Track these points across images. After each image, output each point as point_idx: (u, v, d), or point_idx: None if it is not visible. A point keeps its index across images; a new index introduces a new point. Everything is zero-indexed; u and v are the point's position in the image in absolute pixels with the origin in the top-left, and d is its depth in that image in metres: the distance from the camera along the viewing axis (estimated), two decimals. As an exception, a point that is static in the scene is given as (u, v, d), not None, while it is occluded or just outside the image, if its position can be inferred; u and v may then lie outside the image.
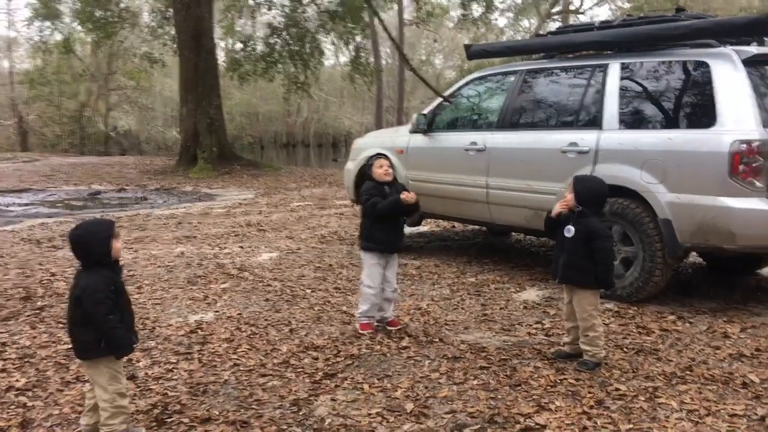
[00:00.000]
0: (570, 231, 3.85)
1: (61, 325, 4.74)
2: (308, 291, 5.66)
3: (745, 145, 4.53)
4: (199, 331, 4.61)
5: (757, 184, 4.57)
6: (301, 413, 3.32)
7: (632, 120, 5.25)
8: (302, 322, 4.80)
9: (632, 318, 4.78)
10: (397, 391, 3.55)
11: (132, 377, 3.74)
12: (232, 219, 9.93)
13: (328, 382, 3.70)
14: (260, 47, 22.65)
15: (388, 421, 3.20)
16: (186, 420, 3.25)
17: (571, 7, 33.56)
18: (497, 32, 34.24)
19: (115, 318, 2.90)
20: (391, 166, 4.65)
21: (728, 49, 4.92)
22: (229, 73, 22.50)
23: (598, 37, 5.72)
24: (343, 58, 35.12)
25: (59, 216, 10.73)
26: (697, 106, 5.03)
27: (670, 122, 5.10)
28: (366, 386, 3.62)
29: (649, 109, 5.28)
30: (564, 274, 3.90)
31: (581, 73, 5.75)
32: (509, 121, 6.12)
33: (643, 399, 3.39)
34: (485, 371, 3.81)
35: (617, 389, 3.52)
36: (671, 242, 4.85)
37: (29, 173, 18.15)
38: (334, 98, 45.82)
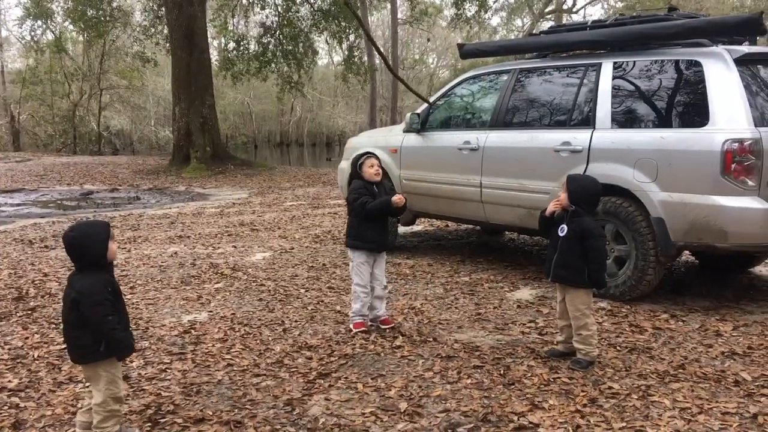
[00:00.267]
0: (563, 230, 3.86)
1: (53, 326, 4.72)
2: (302, 290, 5.65)
3: (737, 144, 4.55)
4: (192, 331, 4.60)
5: (749, 182, 4.58)
6: (294, 413, 3.31)
7: (625, 119, 5.27)
8: (296, 321, 4.80)
9: (625, 316, 4.80)
10: (390, 390, 3.55)
11: (125, 377, 3.73)
12: (225, 219, 9.91)
13: (322, 381, 3.69)
14: (253, 47, 22.64)
15: (381, 421, 3.20)
16: (179, 420, 3.24)
17: (564, 7, 33.65)
18: (490, 31, 34.29)
19: (114, 319, 2.88)
20: (381, 165, 4.66)
21: (720, 49, 4.94)
22: (222, 72, 22.48)
23: (590, 37, 5.73)
24: (337, 58, 35.16)
25: (52, 216, 10.68)
26: (689, 105, 5.05)
27: (663, 121, 5.11)
28: (360, 386, 3.62)
29: (642, 108, 5.30)
30: (556, 272, 3.90)
31: (574, 72, 5.76)
32: (502, 120, 6.13)
33: (636, 397, 3.40)
34: (479, 370, 3.82)
35: (610, 388, 3.52)
36: (664, 241, 4.87)
37: (21, 173, 18.07)
38: (328, 97, 45.81)
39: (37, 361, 4.05)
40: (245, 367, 3.91)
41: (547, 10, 32.52)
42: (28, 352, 4.20)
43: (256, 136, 46.12)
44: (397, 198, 4.46)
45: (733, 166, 4.56)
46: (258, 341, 4.38)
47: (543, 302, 5.22)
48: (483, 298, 5.39)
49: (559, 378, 3.67)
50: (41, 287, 5.81)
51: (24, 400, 3.50)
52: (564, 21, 29.56)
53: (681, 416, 3.19)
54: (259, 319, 4.85)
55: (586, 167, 5.24)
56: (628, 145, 5.08)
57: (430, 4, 31.38)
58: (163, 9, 20.35)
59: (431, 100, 7.07)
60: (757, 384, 3.57)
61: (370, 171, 4.56)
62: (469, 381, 3.66)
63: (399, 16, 30.72)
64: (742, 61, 4.84)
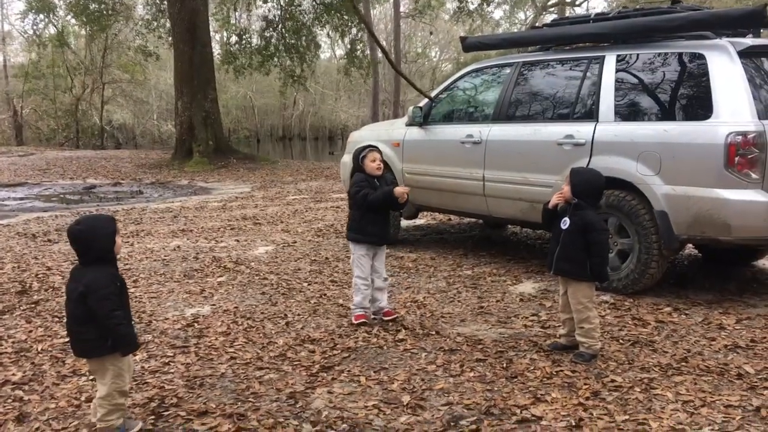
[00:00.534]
0: (566, 223, 3.85)
1: (57, 320, 4.73)
2: (304, 284, 5.66)
3: (740, 137, 4.53)
4: (195, 324, 4.61)
5: (753, 175, 4.57)
6: (298, 406, 3.32)
7: (628, 112, 5.25)
8: (298, 315, 4.81)
9: (628, 310, 4.79)
10: (393, 383, 3.56)
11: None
12: (228, 212, 9.92)
13: (325, 374, 3.70)
14: (256, 40, 22.61)
15: (384, 414, 3.21)
16: (183, 413, 3.25)
17: None
18: (493, 24, 34.19)
19: (121, 314, 2.88)
20: (382, 159, 4.65)
21: (724, 41, 4.92)
22: (225, 66, 22.45)
23: (594, 29, 5.70)
24: (339, 51, 35.09)
25: (55, 210, 10.71)
26: (693, 98, 5.03)
27: (666, 114, 5.09)
28: (363, 379, 3.63)
29: (645, 101, 5.28)
30: (558, 266, 3.90)
31: (577, 65, 5.74)
32: (505, 113, 6.11)
33: (638, 390, 3.40)
34: (481, 363, 3.82)
35: (613, 380, 3.53)
36: (667, 234, 4.86)
37: (24, 167, 18.09)
38: (331, 91, 45.76)
39: (40, 355, 4.06)
40: (248, 361, 3.92)
41: (549, 2, 32.40)
42: (32, 346, 4.22)
43: (258, 130, 46.10)
44: (399, 189, 4.46)
45: (736, 159, 4.54)
46: (261, 334, 4.39)
47: (546, 296, 5.22)
48: (486, 291, 5.39)
49: (561, 371, 3.67)
50: (45, 281, 5.82)
51: (28, 393, 3.51)
52: (567, 14, 29.48)
53: (684, 409, 3.19)
54: (262, 313, 4.86)
55: (589, 160, 5.23)
56: (631, 138, 5.07)
57: (432, -3, 31.28)
58: (165, 2, 20.35)
59: (433, 93, 7.05)
60: (760, 377, 3.56)
61: (372, 165, 4.56)
62: (471, 374, 3.66)
63: (401, 9, 30.66)
64: (745, 54, 4.81)
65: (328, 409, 3.27)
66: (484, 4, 24.32)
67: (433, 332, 4.37)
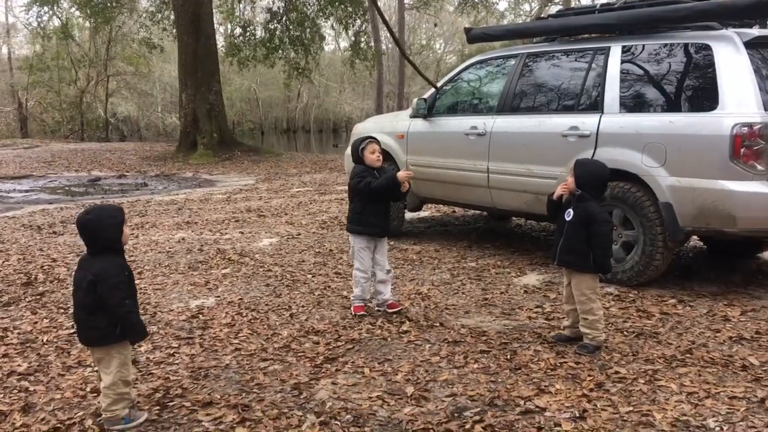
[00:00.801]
0: (569, 214, 3.85)
1: (62, 311, 4.75)
2: (309, 276, 5.67)
3: (746, 128, 4.51)
4: (200, 316, 4.62)
5: (759, 167, 4.55)
6: (302, 397, 3.33)
7: (633, 103, 5.23)
8: (303, 306, 4.81)
9: (633, 302, 4.79)
10: (397, 374, 3.57)
11: (134, 362, 3.75)
12: (232, 205, 9.93)
13: (329, 366, 3.71)
14: (260, 32, 22.56)
15: (388, 405, 3.22)
16: (187, 404, 3.26)
17: (573, -9, 33.28)
18: (498, 16, 34.02)
19: (130, 303, 2.94)
20: (381, 151, 4.66)
21: (730, 32, 4.89)
22: (229, 58, 22.42)
23: (599, 20, 5.67)
24: (344, 43, 35.01)
25: (60, 202, 10.74)
26: (698, 89, 5.00)
27: (672, 105, 5.07)
28: (366, 370, 3.63)
29: (651, 93, 5.25)
30: (562, 257, 3.90)
31: (582, 56, 5.71)
32: (510, 105, 6.09)
33: (642, 382, 3.40)
34: (485, 355, 3.82)
35: (617, 372, 3.52)
36: (672, 226, 4.84)
37: (29, 160, 18.13)
38: (335, 84, 45.68)
39: (46, 346, 4.08)
40: (253, 352, 3.93)
41: (555, -6, 32.21)
42: (38, 337, 4.24)
43: (262, 122, 46.09)
44: (402, 174, 4.47)
45: (742, 150, 4.52)
46: (265, 326, 4.40)
47: (550, 287, 5.22)
48: (490, 283, 5.38)
49: (565, 362, 3.67)
50: (50, 272, 5.84)
51: (33, 383, 3.53)
52: (572, 4, 29.30)
53: (688, 400, 3.18)
54: (267, 304, 4.87)
55: (594, 152, 5.21)
56: (636, 130, 5.04)
57: (437, -11, 31.14)
58: (170, -6, 20.30)
59: (439, 84, 7.03)
60: (764, 369, 3.56)
61: (372, 157, 4.56)
62: (475, 365, 3.66)
63: (406, 0, 30.53)
64: (752, 45, 4.78)
65: (332, 400, 3.28)
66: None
67: (437, 324, 4.37)
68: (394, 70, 36.02)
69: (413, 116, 6.94)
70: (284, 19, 21.68)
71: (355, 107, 45.09)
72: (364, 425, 3.02)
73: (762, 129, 4.51)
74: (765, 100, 4.60)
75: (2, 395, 3.38)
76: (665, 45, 5.21)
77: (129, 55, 31.76)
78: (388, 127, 7.26)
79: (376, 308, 4.64)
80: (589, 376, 3.49)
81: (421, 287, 5.26)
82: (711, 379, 3.44)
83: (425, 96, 6.96)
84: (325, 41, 25.13)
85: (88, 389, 3.43)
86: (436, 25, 41.22)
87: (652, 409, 3.10)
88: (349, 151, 7.71)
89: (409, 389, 3.37)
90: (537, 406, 3.15)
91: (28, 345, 4.10)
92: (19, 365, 3.76)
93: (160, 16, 23.63)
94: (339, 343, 4.05)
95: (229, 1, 23.24)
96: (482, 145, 6.14)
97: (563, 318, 4.18)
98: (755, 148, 4.52)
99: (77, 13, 27.78)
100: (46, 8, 26.10)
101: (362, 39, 23.18)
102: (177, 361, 3.82)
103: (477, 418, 3.05)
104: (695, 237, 6.02)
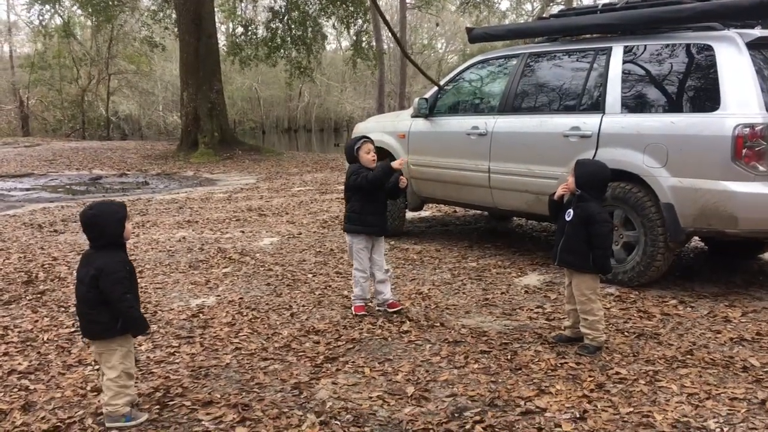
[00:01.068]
0: (569, 215, 3.85)
1: (62, 309, 4.75)
2: (309, 275, 5.66)
3: (748, 129, 4.50)
4: (200, 315, 4.62)
5: (760, 168, 4.54)
6: (302, 396, 3.33)
7: (635, 104, 5.22)
8: (303, 306, 4.81)
9: (633, 302, 4.78)
10: (398, 374, 3.56)
11: (134, 360, 3.75)
12: (233, 204, 9.93)
13: (329, 365, 3.71)
14: (261, 32, 22.57)
15: (388, 404, 3.21)
16: (188, 403, 3.26)
17: (575, -9, 33.26)
18: (500, 15, 34.01)
19: (131, 297, 3.00)
20: (375, 151, 4.67)
21: (732, 32, 4.88)
22: (230, 57, 22.43)
23: (601, 20, 5.66)
24: (345, 42, 35.00)
25: (61, 201, 10.74)
26: (700, 90, 4.99)
27: (673, 106, 5.06)
28: (367, 370, 3.63)
29: (652, 93, 5.25)
30: (562, 257, 3.90)
31: (584, 56, 5.70)
32: (511, 105, 6.08)
33: (643, 382, 3.40)
34: (486, 355, 3.82)
35: (618, 373, 3.52)
36: (673, 226, 4.84)
37: (31, 158, 18.14)
38: (336, 83, 45.67)
39: (46, 344, 4.08)
40: (253, 351, 3.93)
41: (557, -6, 32.19)
42: (38, 335, 4.24)
43: (264, 121, 46.10)
44: (397, 162, 4.49)
45: (744, 151, 4.51)
46: (266, 325, 4.39)
47: (551, 288, 5.21)
48: (490, 283, 5.38)
49: (566, 363, 3.67)
50: (50, 271, 5.84)
51: (34, 382, 3.53)
52: (574, 4, 29.27)
53: (688, 402, 3.18)
54: (267, 304, 4.87)
55: (596, 152, 5.21)
56: (638, 130, 5.04)
57: (439, -12, 31.12)
58: (171, -7, 20.31)
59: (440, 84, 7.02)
60: (765, 370, 3.55)
61: (367, 157, 4.56)
62: (476, 366, 3.66)
63: (408, 0, 30.51)
64: (754, 45, 4.78)
65: (332, 399, 3.27)
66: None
67: (438, 324, 4.37)
68: (395, 69, 36.00)
69: (414, 116, 6.94)
70: (286, 18, 21.69)
71: (356, 106, 45.09)
72: (364, 425, 3.02)
73: (764, 130, 4.50)
74: (767, 101, 4.59)
75: (2, 394, 3.38)
76: (667, 45, 5.20)
77: (130, 53, 31.78)
78: (389, 127, 7.25)
79: (377, 308, 4.64)
80: (590, 376, 3.48)
81: (422, 287, 5.26)
82: (712, 380, 3.43)
83: (426, 96, 6.95)
84: (326, 40, 25.13)
85: (88, 388, 3.43)
86: (437, 24, 41.22)
87: (653, 410, 3.10)
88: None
89: (410, 389, 3.37)
90: (537, 407, 3.14)
91: (28, 343, 4.10)
92: (19, 364, 3.76)
93: (161, 14, 23.66)
94: (339, 343, 4.05)
95: (231, 0, 23.24)
96: (483, 145, 6.13)
97: (564, 318, 4.18)
98: (757, 148, 4.51)
99: (79, 11, 27.81)
100: (47, 6, 26.11)
101: (364, 38, 23.19)
102: (177, 360, 3.81)
103: (477, 418, 3.05)
104: (696, 238, 6.01)
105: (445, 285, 5.33)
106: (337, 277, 5.61)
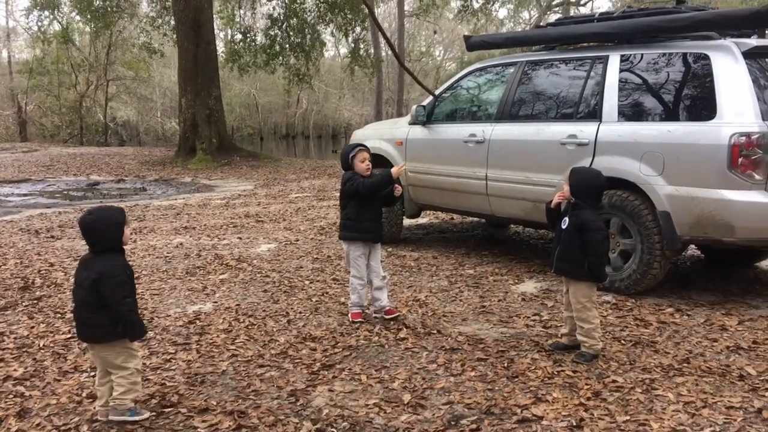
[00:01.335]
0: (565, 222, 3.86)
1: (59, 316, 4.74)
2: (306, 282, 5.66)
3: (744, 138, 4.52)
4: (197, 321, 4.61)
5: (757, 176, 4.55)
6: (298, 403, 3.32)
7: (632, 112, 5.24)
8: (300, 313, 4.81)
9: (630, 310, 4.78)
10: (394, 382, 3.56)
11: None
12: (230, 210, 9.93)
13: (326, 372, 3.70)
14: (260, 39, 22.62)
15: (385, 412, 3.21)
16: (184, 410, 3.25)
17: (572, -1, 33.42)
18: (497, 23, 34.14)
19: (131, 301, 3.04)
20: (371, 159, 4.68)
21: (729, 42, 4.90)
22: (229, 64, 22.46)
23: (598, 29, 5.69)
24: (344, 50, 35.08)
25: (58, 206, 10.73)
26: (696, 99, 5.01)
27: (670, 115, 5.08)
28: (363, 377, 3.63)
29: (649, 102, 5.27)
30: (558, 265, 3.91)
31: (581, 64, 5.73)
32: (509, 112, 6.10)
33: (640, 391, 3.40)
34: (483, 363, 3.81)
35: (614, 381, 3.52)
36: (670, 235, 4.85)
37: (28, 163, 18.12)
38: (334, 90, 45.73)
39: (42, 351, 4.07)
40: (249, 358, 3.92)
41: (554, 2, 32.33)
42: (34, 342, 4.23)
43: (262, 127, 46.09)
44: (396, 169, 4.49)
45: (740, 160, 4.53)
46: (262, 332, 4.39)
47: (547, 295, 5.21)
48: (487, 290, 5.38)
49: (563, 371, 3.67)
50: (47, 277, 5.83)
51: (29, 388, 3.52)
52: (571, 13, 29.41)
53: (685, 410, 3.18)
54: (264, 311, 4.86)
55: (593, 160, 5.22)
56: (634, 139, 5.05)
57: (437, -4, 31.21)
58: (170, 0, 20.34)
59: (437, 92, 7.05)
60: (762, 379, 3.56)
61: (362, 166, 4.56)
62: (472, 373, 3.66)
63: (406, 8, 30.62)
64: (750, 55, 4.80)
65: (328, 407, 3.27)
66: (489, 3, 24.31)
67: (435, 331, 4.36)
68: (393, 76, 36.10)
69: (412, 123, 6.95)
70: (284, 25, 21.75)
71: (354, 113, 45.14)
72: (360, 433, 3.01)
73: (760, 139, 4.52)
74: (763, 109, 4.61)
75: (-2, 400, 3.37)
76: (664, 54, 5.22)
77: (129, 59, 31.81)
78: (387, 134, 7.27)
79: (374, 315, 4.64)
80: (586, 384, 3.48)
81: (419, 294, 5.26)
82: (708, 388, 3.43)
83: (424, 103, 6.97)
84: (325, 48, 25.19)
85: (84, 395, 3.42)
86: (435, 32, 41.32)
87: (649, 418, 3.09)
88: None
89: (406, 397, 3.36)
90: (534, 415, 3.14)
91: (24, 350, 4.09)
92: (15, 370, 3.75)
93: (160, 21, 23.68)
94: (336, 350, 4.04)
95: (230, 7, 23.28)
96: (481, 153, 6.15)
97: (561, 326, 4.18)
98: (753, 157, 4.53)
99: (78, 17, 27.84)
100: (46, 12, 26.17)
101: (361, 46, 23.24)
102: (173, 367, 3.81)
103: (474, 426, 3.05)
104: (693, 246, 6.01)
105: (442, 292, 5.33)
106: (334, 283, 5.61)
